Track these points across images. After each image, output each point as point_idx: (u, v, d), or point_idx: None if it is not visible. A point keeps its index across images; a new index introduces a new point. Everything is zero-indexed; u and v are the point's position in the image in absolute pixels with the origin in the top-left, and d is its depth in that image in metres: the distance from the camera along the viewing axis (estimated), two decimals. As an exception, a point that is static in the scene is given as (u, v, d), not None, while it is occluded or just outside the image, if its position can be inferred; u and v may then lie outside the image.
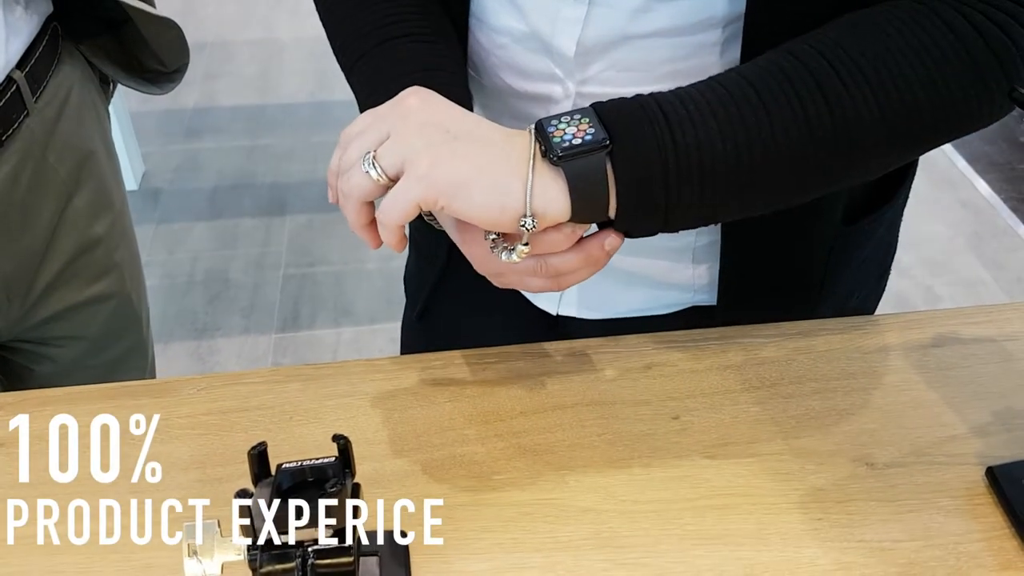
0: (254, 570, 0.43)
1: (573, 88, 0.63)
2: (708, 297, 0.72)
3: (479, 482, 0.57)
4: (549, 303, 0.78)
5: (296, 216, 2.36)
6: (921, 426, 0.60)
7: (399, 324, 1.01)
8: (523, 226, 0.50)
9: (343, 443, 0.46)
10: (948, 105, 0.52)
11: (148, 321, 0.95)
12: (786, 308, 0.71)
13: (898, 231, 0.77)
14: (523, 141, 0.52)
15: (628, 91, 0.62)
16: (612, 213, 0.51)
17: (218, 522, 0.45)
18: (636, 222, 0.52)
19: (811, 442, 0.59)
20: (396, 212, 0.50)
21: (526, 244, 0.52)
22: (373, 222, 0.54)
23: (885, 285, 0.81)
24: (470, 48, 0.68)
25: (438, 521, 0.54)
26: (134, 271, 0.92)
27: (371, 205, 0.53)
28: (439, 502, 0.55)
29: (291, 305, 2.09)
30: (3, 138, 0.72)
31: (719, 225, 0.68)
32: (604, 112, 0.51)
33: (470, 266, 0.82)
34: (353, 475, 0.46)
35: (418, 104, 0.52)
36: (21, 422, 0.61)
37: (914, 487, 0.56)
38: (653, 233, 0.53)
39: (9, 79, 0.72)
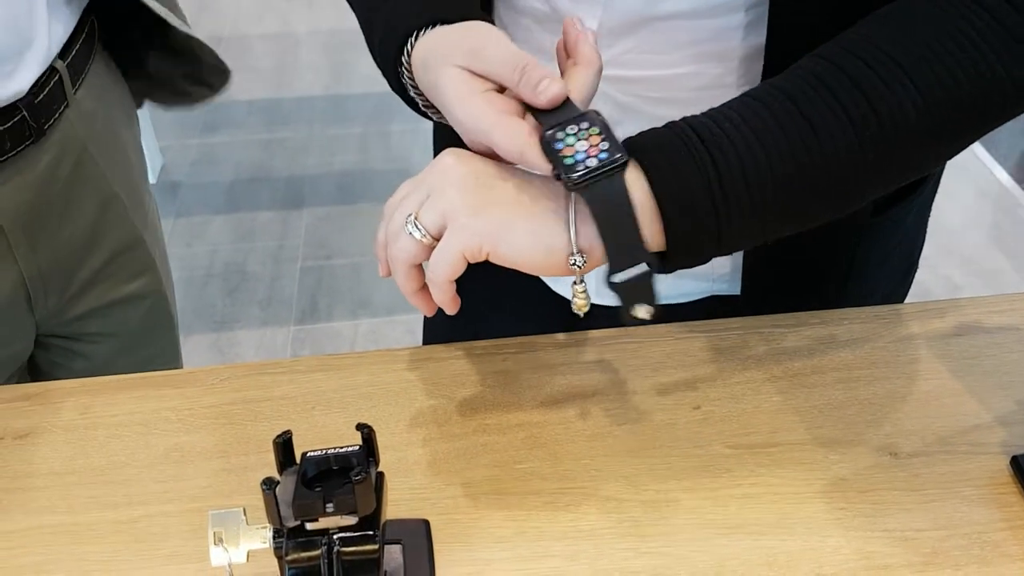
0: (280, 557, 0.43)
1: None
2: (730, 287, 0.72)
3: (501, 471, 0.57)
4: (567, 289, 0.78)
5: (313, 209, 2.36)
6: (945, 415, 0.60)
7: (416, 316, 1.02)
8: (573, 264, 0.49)
9: (367, 432, 0.46)
10: (991, 84, 0.50)
11: (178, 321, 0.96)
12: (810, 302, 0.70)
13: (926, 223, 0.77)
14: (555, 186, 0.50)
15: (649, 73, 0.62)
16: (656, 244, 0.49)
17: (243, 510, 0.45)
18: (689, 254, 0.50)
19: (834, 432, 0.58)
20: (443, 267, 0.50)
21: (581, 283, 0.51)
22: (424, 287, 0.53)
23: (911, 282, 0.81)
24: None
25: (461, 510, 0.55)
26: (166, 270, 0.93)
27: (420, 269, 0.53)
28: (461, 491, 0.56)
29: (309, 297, 2.09)
30: (45, 127, 0.72)
31: None
32: (634, 141, 0.50)
33: (477, 263, 0.83)
34: (377, 463, 0.46)
35: (454, 161, 0.52)
36: (46, 412, 0.61)
37: (938, 476, 0.56)
38: (705, 262, 0.51)
39: (52, 68, 0.72)
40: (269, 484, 0.42)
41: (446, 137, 0.82)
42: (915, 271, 0.81)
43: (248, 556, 0.45)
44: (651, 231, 0.49)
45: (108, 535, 0.54)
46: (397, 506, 0.55)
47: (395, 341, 1.97)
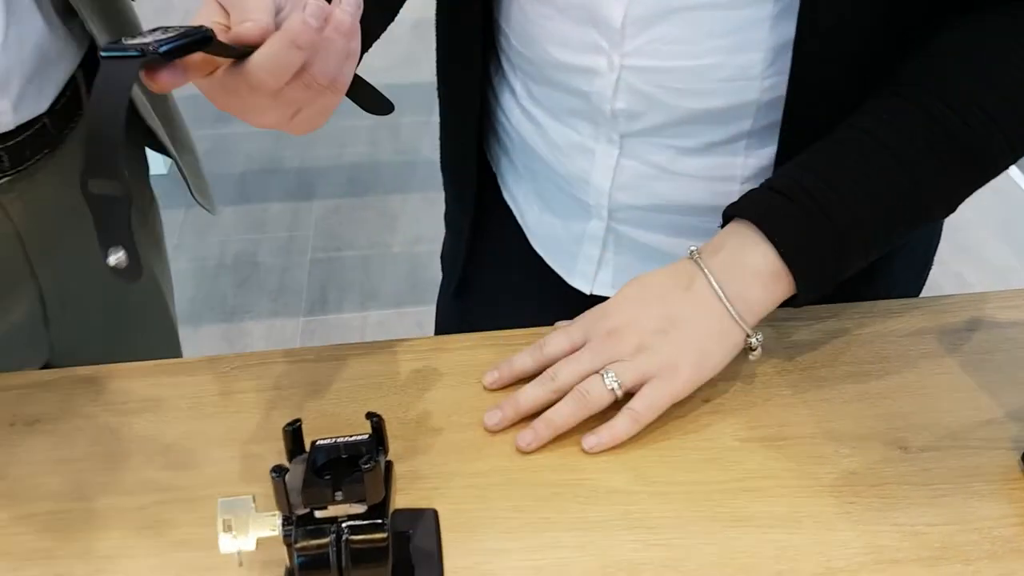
0: (289, 545, 0.43)
1: (618, 61, 0.63)
2: None
3: (510, 461, 0.57)
4: (583, 282, 0.78)
5: (323, 201, 2.37)
6: (956, 410, 0.59)
7: (425, 308, 1.03)
8: (753, 340, 0.58)
9: (376, 421, 0.46)
10: None
11: (176, 318, 0.96)
12: (832, 298, 0.69)
13: (943, 220, 0.76)
14: (696, 280, 0.58)
15: (674, 64, 0.62)
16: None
17: (253, 498, 0.45)
18: (812, 297, 0.59)
19: (844, 425, 0.58)
20: (655, 413, 0.57)
21: (759, 339, 0.59)
22: None
23: (926, 278, 0.80)
24: (514, 19, 0.68)
25: (469, 500, 0.55)
26: (164, 269, 0.94)
27: None
28: (470, 481, 0.56)
29: (318, 289, 2.10)
30: (64, 134, 0.72)
31: None
32: (756, 206, 0.58)
33: (495, 242, 0.83)
34: (386, 452, 0.46)
35: (622, 321, 0.58)
36: (57, 398, 0.62)
37: (948, 471, 0.55)
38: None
39: (72, 78, 0.72)
40: (279, 471, 0.42)
41: (452, 134, 0.82)
42: (929, 269, 0.80)
43: (257, 544, 0.45)
44: (787, 286, 0.58)
45: (118, 522, 0.54)
46: (405, 495, 0.55)
47: (404, 333, 1.97)
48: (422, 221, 2.29)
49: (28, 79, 0.67)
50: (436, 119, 0.96)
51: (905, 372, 0.62)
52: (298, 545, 0.43)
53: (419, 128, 2.58)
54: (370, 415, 0.46)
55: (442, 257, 0.93)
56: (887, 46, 0.59)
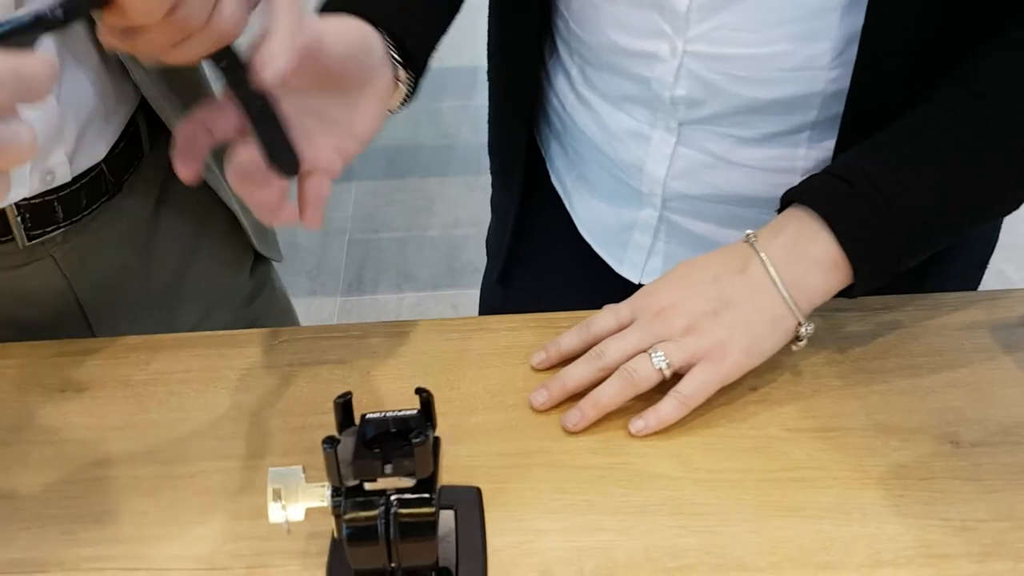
0: (337, 516, 0.44)
1: (681, 47, 0.62)
2: None
3: (553, 443, 0.57)
4: (633, 271, 0.78)
5: (362, 183, 2.38)
6: (1008, 405, 0.58)
7: (461, 291, 1.03)
8: (803, 330, 0.57)
9: (426, 396, 0.46)
10: None
11: None
12: (885, 291, 0.68)
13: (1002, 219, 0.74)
14: (751, 264, 0.57)
15: (737, 51, 0.61)
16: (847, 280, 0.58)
17: (303, 468, 0.45)
18: (872, 287, 0.58)
19: (895, 418, 0.57)
20: (702, 397, 0.56)
21: (809, 329, 0.58)
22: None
23: (983, 275, 0.79)
24: (574, 2, 0.67)
25: (512, 480, 0.55)
26: None
27: None
28: (512, 461, 0.56)
29: (355, 269, 2.11)
30: (123, 180, 0.69)
31: None
32: (823, 203, 0.56)
33: (542, 229, 0.83)
34: (434, 428, 0.46)
35: (672, 301, 0.57)
36: (107, 366, 0.62)
37: (1000, 467, 0.54)
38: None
39: (132, 119, 0.69)
40: (331, 443, 0.42)
41: (502, 118, 0.81)
42: (985, 268, 0.79)
43: (306, 514, 0.45)
44: (844, 275, 0.57)
45: (166, 489, 0.54)
46: (449, 473, 0.54)
47: (439, 315, 1.98)
48: (460, 205, 2.30)
49: (84, 128, 0.63)
50: (476, 103, 0.96)
51: (957, 366, 0.61)
52: (347, 516, 0.43)
53: (459, 112, 2.58)
54: (419, 390, 0.46)
55: (487, 243, 0.93)
56: (954, 40, 0.58)
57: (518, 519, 0.52)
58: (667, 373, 0.56)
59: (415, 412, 0.46)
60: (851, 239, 0.56)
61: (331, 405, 0.46)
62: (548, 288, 0.87)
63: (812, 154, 0.65)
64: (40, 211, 0.62)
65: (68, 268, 0.67)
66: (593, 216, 0.80)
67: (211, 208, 0.74)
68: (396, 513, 0.43)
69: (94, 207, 0.66)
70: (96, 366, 0.62)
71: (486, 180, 0.99)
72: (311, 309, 2.00)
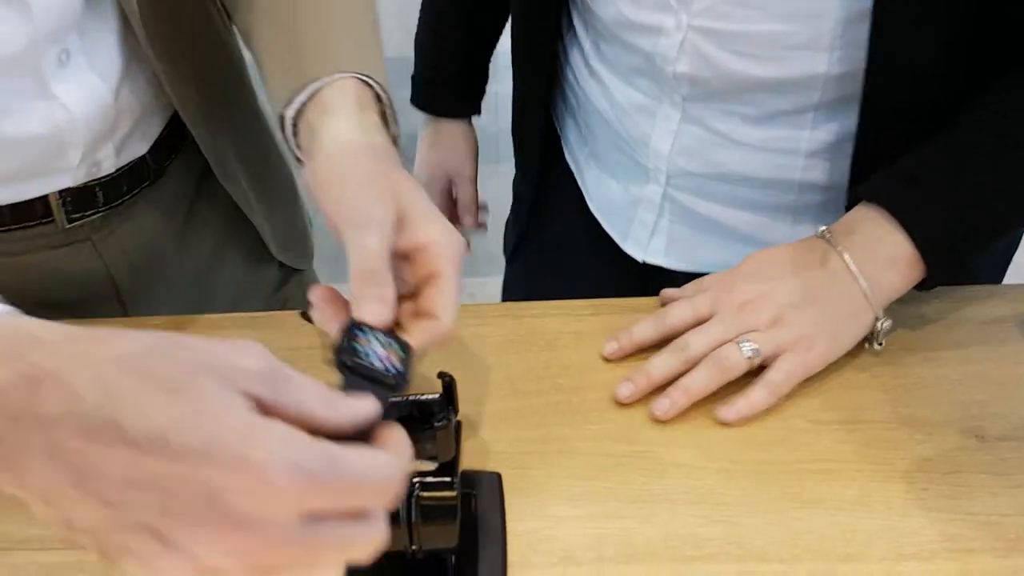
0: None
1: (685, 20, 0.62)
2: None
3: (573, 430, 0.57)
4: (637, 249, 0.78)
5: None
6: (1035, 401, 0.58)
7: (479, 279, 1.04)
8: (880, 324, 0.58)
9: (448, 380, 0.46)
10: None
11: None
12: None
13: None
14: (831, 259, 0.58)
15: (738, 28, 0.62)
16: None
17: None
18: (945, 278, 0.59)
19: (919, 411, 0.57)
20: (790, 386, 0.57)
21: (887, 325, 0.59)
22: None
23: (1011, 258, 0.78)
24: None
25: (532, 466, 0.54)
26: None
27: None
28: (533, 447, 0.55)
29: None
30: (165, 166, 0.69)
31: (828, 190, 0.67)
32: (897, 204, 0.57)
33: (557, 206, 0.87)
34: (456, 412, 0.46)
35: (755, 293, 0.58)
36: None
37: (1025, 462, 0.54)
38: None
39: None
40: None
41: (522, 96, 0.82)
42: (1016, 248, 0.78)
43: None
44: (918, 272, 0.58)
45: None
46: (469, 458, 0.55)
47: (467, 298, 1.98)
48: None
49: (135, 123, 0.64)
50: (495, 90, 0.95)
51: (983, 360, 0.60)
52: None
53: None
54: (442, 375, 0.46)
55: (507, 223, 0.94)
56: (969, 29, 0.58)
57: (538, 505, 0.52)
58: (755, 363, 0.56)
59: (437, 396, 0.45)
60: (924, 239, 0.57)
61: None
62: (563, 263, 0.87)
63: (816, 136, 0.65)
64: (81, 195, 0.63)
65: (105, 251, 0.67)
66: (602, 192, 0.80)
67: (238, 216, 0.74)
68: (417, 496, 0.43)
69: (134, 192, 0.67)
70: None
71: (504, 168, 0.99)
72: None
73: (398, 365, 0.41)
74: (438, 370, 0.49)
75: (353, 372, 0.39)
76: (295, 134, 0.53)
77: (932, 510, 0.51)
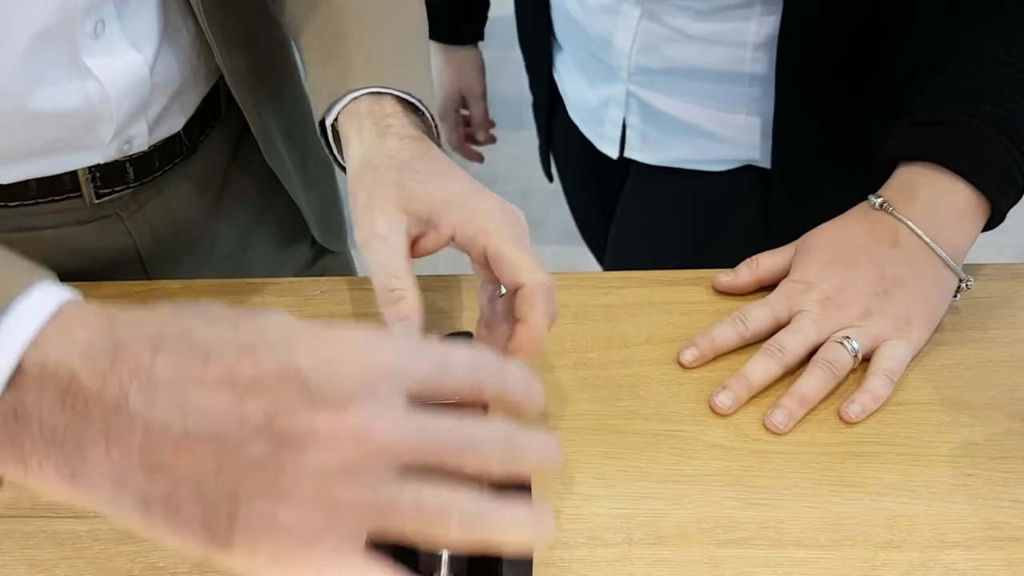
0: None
1: None
2: (762, 157, 0.77)
3: (602, 407, 0.55)
4: (611, 147, 0.85)
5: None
6: (1087, 385, 0.55)
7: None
8: (964, 284, 0.58)
9: (470, 338, 0.44)
10: None
11: None
12: (844, 175, 0.73)
13: None
14: (901, 235, 0.57)
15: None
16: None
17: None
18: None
19: (965, 393, 0.54)
20: (903, 367, 0.55)
21: (971, 283, 0.58)
22: None
23: None
24: None
25: (561, 442, 0.52)
26: None
27: None
28: (560, 423, 0.54)
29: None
30: (198, 142, 0.67)
31: (773, 79, 0.73)
32: (948, 155, 0.57)
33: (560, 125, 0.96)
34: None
35: (835, 288, 0.57)
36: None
37: (1077, 449, 0.51)
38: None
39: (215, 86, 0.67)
40: None
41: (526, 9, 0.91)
42: None
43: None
44: (985, 213, 0.57)
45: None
46: (494, 434, 0.53)
47: (471, 270, 1.96)
48: (495, 161, 2.25)
49: (171, 100, 0.62)
50: (516, 55, 0.98)
51: (1032, 341, 0.58)
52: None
53: (498, 64, 2.52)
54: (460, 333, 0.44)
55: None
56: None
57: (565, 483, 0.51)
58: (860, 358, 0.55)
59: None
60: (983, 178, 0.56)
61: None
62: (565, 176, 1.01)
63: (762, 30, 0.71)
64: (111, 171, 0.61)
65: (133, 227, 0.65)
66: (578, 95, 0.88)
67: (277, 189, 0.72)
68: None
69: (166, 169, 0.65)
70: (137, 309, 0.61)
71: (525, 135, 1.02)
72: (350, 263, 1.99)
73: None
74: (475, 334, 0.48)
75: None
76: (336, 139, 0.54)
77: (977, 496, 0.49)
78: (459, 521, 0.30)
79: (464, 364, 0.32)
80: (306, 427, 0.29)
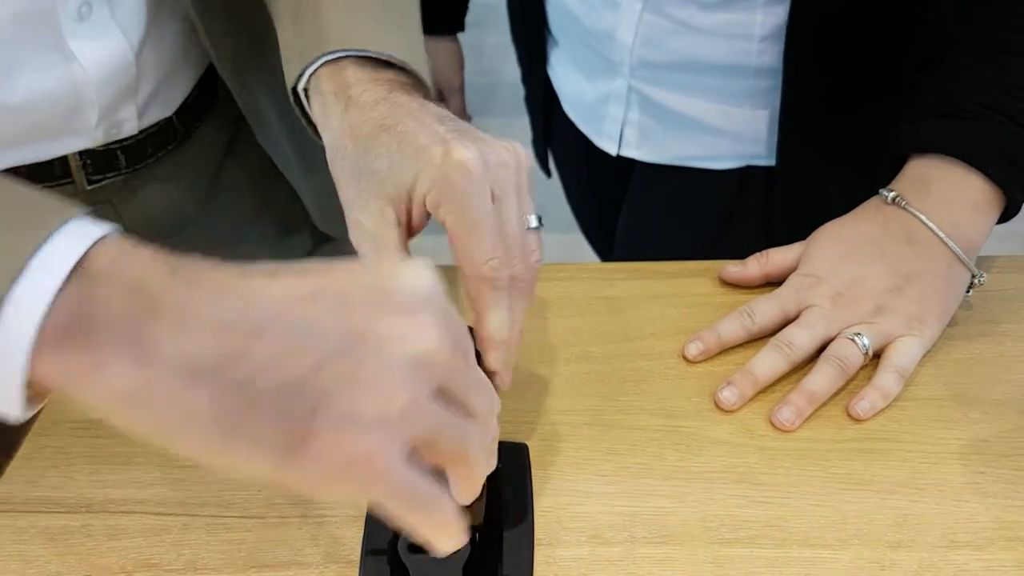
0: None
1: None
2: (766, 152, 0.75)
3: (604, 402, 0.54)
4: (610, 144, 0.83)
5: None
6: (1100, 381, 0.54)
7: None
8: (975, 280, 0.57)
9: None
10: None
11: None
12: (849, 173, 0.72)
13: None
14: (915, 230, 0.56)
15: None
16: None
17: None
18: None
19: (976, 389, 0.53)
20: (915, 364, 0.54)
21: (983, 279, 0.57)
22: None
23: None
24: None
25: (560, 438, 0.52)
26: None
27: None
28: (562, 418, 0.53)
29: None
30: (192, 129, 0.65)
31: (780, 72, 0.71)
32: (959, 147, 0.56)
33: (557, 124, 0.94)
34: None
35: (847, 283, 0.56)
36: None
37: (1089, 446, 0.50)
38: None
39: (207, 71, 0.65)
40: None
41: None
42: None
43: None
44: (999, 206, 0.56)
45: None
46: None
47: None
48: (499, 147, 2.25)
49: (159, 86, 0.60)
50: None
51: (1045, 335, 0.57)
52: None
53: (503, 50, 2.50)
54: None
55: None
56: None
57: (566, 479, 0.50)
58: (870, 355, 0.54)
59: None
60: (997, 170, 0.55)
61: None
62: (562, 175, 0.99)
63: (768, 21, 0.69)
64: (103, 158, 0.60)
65: (127, 213, 0.64)
66: (575, 92, 0.86)
67: (275, 177, 0.70)
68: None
69: (159, 155, 0.63)
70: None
71: (527, 123, 1.00)
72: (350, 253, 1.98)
73: None
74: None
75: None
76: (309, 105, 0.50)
77: (988, 495, 0.48)
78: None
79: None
80: (379, 324, 0.30)
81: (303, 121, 0.52)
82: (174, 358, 0.29)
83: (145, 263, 0.31)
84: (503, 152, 0.44)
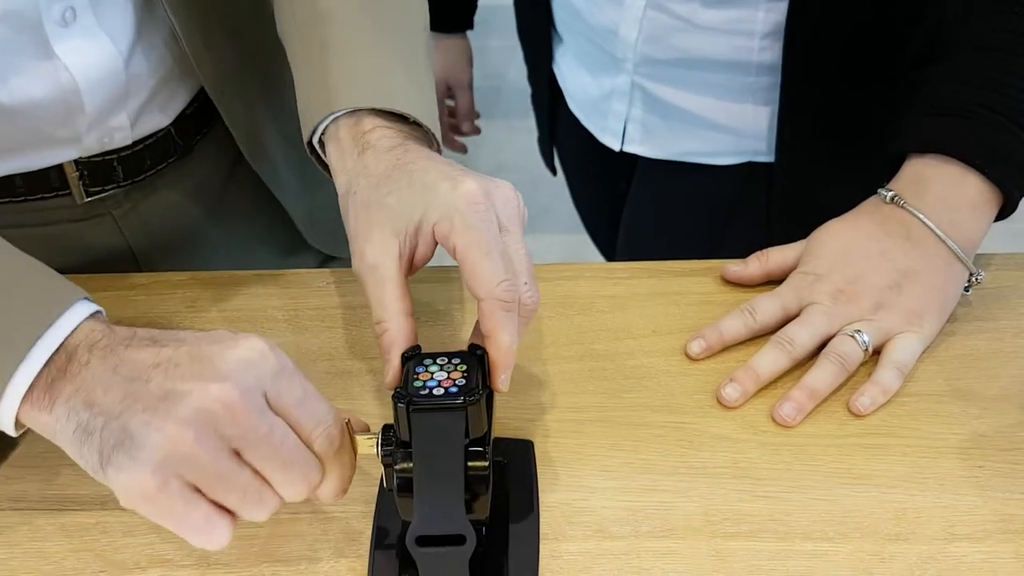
0: (388, 466, 0.42)
1: None
2: (767, 148, 0.76)
3: (609, 399, 0.54)
4: (613, 140, 0.84)
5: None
6: (1098, 376, 0.55)
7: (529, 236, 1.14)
8: (975, 277, 0.57)
9: (481, 353, 0.44)
10: None
11: None
12: (855, 168, 0.73)
13: None
14: (914, 228, 0.56)
15: None
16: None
17: (348, 420, 0.43)
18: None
19: (975, 384, 0.54)
20: (914, 360, 0.55)
21: (982, 276, 0.58)
22: None
23: None
24: None
25: (565, 435, 0.52)
26: None
27: None
28: (566, 415, 0.53)
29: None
30: (192, 143, 0.65)
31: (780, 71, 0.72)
32: (959, 146, 0.56)
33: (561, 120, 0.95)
34: (487, 386, 0.44)
35: (847, 280, 0.56)
36: (153, 302, 0.61)
37: (1088, 441, 0.51)
38: None
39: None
40: (401, 397, 0.41)
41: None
42: None
43: (355, 462, 0.44)
44: (997, 203, 0.57)
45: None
46: (501, 424, 0.53)
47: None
48: (503, 150, 2.25)
49: (151, 97, 0.60)
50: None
51: (1043, 331, 0.57)
52: (398, 467, 0.41)
53: (507, 52, 2.50)
54: (473, 347, 0.44)
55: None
56: None
57: (571, 475, 0.50)
58: (870, 351, 0.54)
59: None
60: (995, 169, 0.56)
61: (376, 351, 0.44)
62: (568, 172, 1.01)
63: (770, 17, 0.71)
64: (99, 169, 0.60)
65: (127, 227, 0.65)
66: (579, 88, 0.87)
67: (274, 203, 0.70)
68: (449, 467, 0.41)
69: (159, 167, 0.63)
70: (142, 302, 0.61)
71: (533, 124, 1.01)
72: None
73: (458, 381, 0.42)
74: (462, 334, 0.47)
75: (420, 411, 0.41)
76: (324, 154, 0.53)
77: (987, 488, 0.49)
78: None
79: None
80: (183, 385, 0.38)
81: (315, 164, 0.54)
82: (70, 401, 0.40)
83: (84, 351, 0.41)
84: (506, 188, 0.46)
